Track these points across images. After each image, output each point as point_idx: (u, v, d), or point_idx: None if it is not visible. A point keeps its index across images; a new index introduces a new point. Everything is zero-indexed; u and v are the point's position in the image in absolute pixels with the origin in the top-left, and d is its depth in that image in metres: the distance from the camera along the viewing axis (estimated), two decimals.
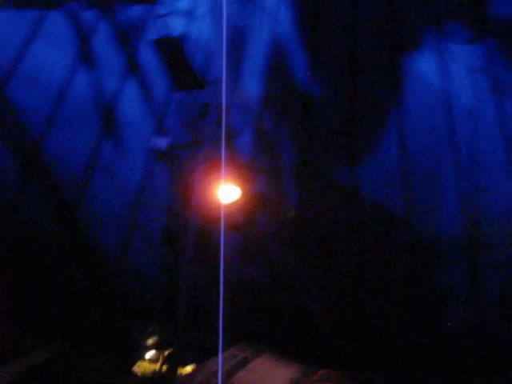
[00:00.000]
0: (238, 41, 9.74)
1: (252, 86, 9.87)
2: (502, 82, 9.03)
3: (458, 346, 8.84)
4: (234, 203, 8.71)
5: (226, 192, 8.53)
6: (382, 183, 9.54)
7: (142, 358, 8.19)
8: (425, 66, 9.42)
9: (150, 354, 8.25)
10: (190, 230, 9.05)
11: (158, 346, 8.33)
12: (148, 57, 9.55)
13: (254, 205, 9.29)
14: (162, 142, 9.11)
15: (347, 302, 9.22)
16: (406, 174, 9.44)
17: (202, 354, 7.81)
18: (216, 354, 7.02)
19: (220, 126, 8.41)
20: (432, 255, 9.26)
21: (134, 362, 8.11)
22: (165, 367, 8.05)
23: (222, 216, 7.66)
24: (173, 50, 9.21)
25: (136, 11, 9.73)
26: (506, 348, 8.56)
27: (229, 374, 6.64)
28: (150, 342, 8.41)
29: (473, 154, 9.30)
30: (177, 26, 9.59)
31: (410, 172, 9.44)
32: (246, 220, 9.32)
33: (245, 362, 6.80)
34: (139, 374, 8.02)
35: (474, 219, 9.13)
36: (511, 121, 8.99)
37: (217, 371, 6.53)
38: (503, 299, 8.97)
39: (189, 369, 7.77)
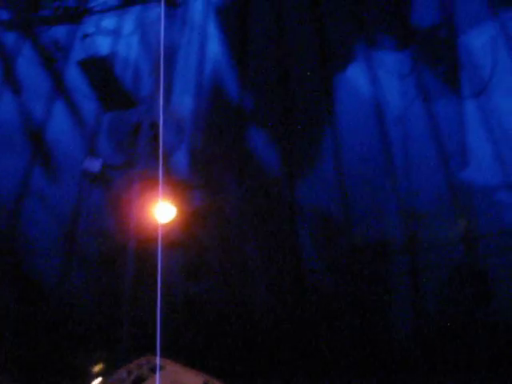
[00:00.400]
0: (168, 58, 9.68)
1: (184, 103, 9.81)
2: (427, 85, 9.27)
3: (401, 346, 8.96)
4: (172, 221, 8.59)
5: (163, 210, 8.41)
6: (320, 191, 9.61)
7: None
8: (355, 75, 9.57)
9: (97, 382, 8.05)
10: (128, 252, 8.87)
11: (104, 373, 8.12)
12: (75, 78, 9.36)
13: (193, 221, 9.20)
14: (94, 164, 8.92)
15: (290, 306, 9.25)
16: (343, 182, 9.53)
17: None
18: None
19: (153, 145, 8.31)
20: (374, 258, 9.37)
21: None
22: None
23: (160, 235, 7.53)
24: (100, 69, 9.05)
25: (60, 32, 9.53)
26: (445, 348, 8.73)
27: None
28: (95, 369, 8.20)
29: (406, 157, 9.48)
30: (103, 45, 9.45)
31: (347, 179, 9.54)
32: (186, 237, 9.21)
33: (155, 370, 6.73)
34: None
35: (412, 221, 9.29)
36: (439, 122, 9.23)
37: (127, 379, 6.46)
38: (442, 298, 9.15)
39: None
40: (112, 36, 9.52)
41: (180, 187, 9.10)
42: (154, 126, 8.58)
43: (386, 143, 9.42)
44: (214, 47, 9.76)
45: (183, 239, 9.03)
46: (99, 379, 8.02)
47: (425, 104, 9.25)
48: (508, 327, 8.77)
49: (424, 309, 9.17)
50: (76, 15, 9.53)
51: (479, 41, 9.03)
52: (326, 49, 9.44)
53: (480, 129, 9.15)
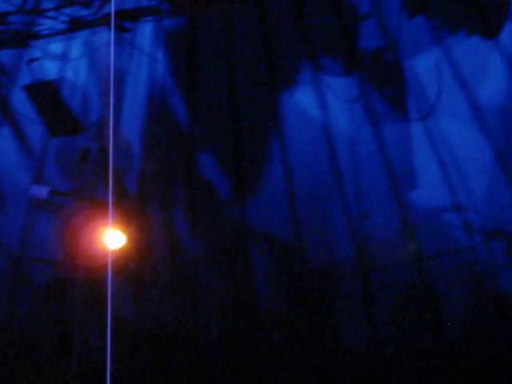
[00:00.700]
0: (117, 82, 9.59)
1: (134, 128, 9.74)
2: (375, 110, 9.42)
3: (355, 369, 9.01)
4: (123, 248, 8.46)
5: (114, 237, 8.27)
6: (271, 215, 9.64)
7: None
8: (304, 99, 9.66)
9: None
10: (78, 281, 8.70)
11: None
12: (22, 103, 9.18)
13: (145, 247, 9.10)
14: (41, 191, 8.73)
15: (242, 329, 9.24)
16: (294, 205, 9.58)
17: None
18: None
19: (102, 170, 8.20)
20: (326, 281, 9.43)
21: None
22: None
23: (110, 262, 7.41)
24: (48, 94, 8.89)
25: (6, 56, 9.34)
26: (399, 369, 8.83)
27: None
28: None
29: (356, 181, 9.59)
30: (51, 69, 9.30)
31: (298, 203, 9.60)
32: (138, 263, 9.09)
33: None
34: None
35: (363, 244, 9.40)
36: (388, 145, 9.38)
37: None
38: (395, 318, 9.26)
39: None
40: (60, 60, 9.38)
41: (131, 213, 8.99)
42: (103, 151, 8.47)
43: (335, 167, 9.52)
44: (164, 71, 9.74)
45: (135, 266, 8.92)
46: None
47: (373, 128, 9.40)
48: (458, 344, 8.94)
49: (377, 330, 9.26)
50: (23, 39, 9.37)
51: (424, 65, 9.23)
52: (275, 73, 9.52)
53: (427, 151, 9.34)
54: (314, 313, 9.40)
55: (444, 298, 9.28)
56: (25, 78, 9.33)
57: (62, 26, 9.09)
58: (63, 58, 9.38)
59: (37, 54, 9.44)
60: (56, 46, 9.38)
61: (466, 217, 9.19)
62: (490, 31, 8.47)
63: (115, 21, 8.62)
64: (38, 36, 9.41)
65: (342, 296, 9.45)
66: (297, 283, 9.51)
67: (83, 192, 8.60)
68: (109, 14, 8.65)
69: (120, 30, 8.75)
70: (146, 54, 9.52)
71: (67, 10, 8.74)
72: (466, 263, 9.18)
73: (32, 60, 9.33)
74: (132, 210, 8.96)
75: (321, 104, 9.50)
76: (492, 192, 8.99)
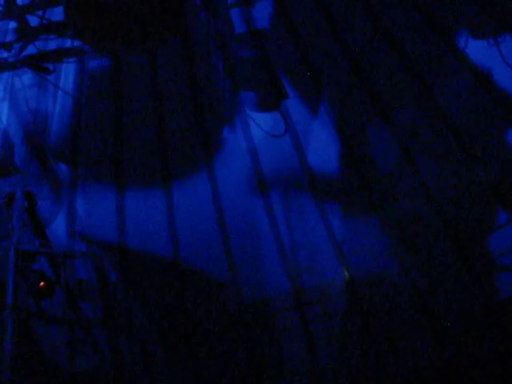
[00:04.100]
0: (42, 125, 9.42)
1: (61, 170, 9.55)
2: (302, 141, 9.62)
3: None
4: (53, 294, 8.18)
5: (43, 284, 7.99)
6: (203, 250, 9.60)
7: None
8: (232, 135, 9.76)
9: None
10: (6, 330, 8.34)
11: None
12: None
13: (77, 293, 8.85)
14: None
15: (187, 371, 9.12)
16: (227, 239, 9.56)
17: None
18: None
19: (28, 215, 7.96)
20: (264, 318, 9.41)
21: None
22: None
23: (40, 310, 7.17)
24: None
25: None
26: None
27: None
28: None
29: (288, 212, 9.70)
30: None
31: (231, 237, 9.60)
32: (70, 311, 8.82)
33: None
34: None
35: (297, 277, 9.46)
36: (315, 173, 9.58)
37: None
38: (332, 347, 9.32)
39: None
40: None
41: (60, 257, 8.74)
42: (28, 195, 8.22)
43: (266, 198, 9.63)
44: (89, 111, 9.62)
45: (67, 313, 8.64)
46: None
47: (301, 158, 9.59)
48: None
49: (317, 360, 9.31)
50: None
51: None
52: (202, 110, 9.58)
53: None
54: (251, 350, 9.36)
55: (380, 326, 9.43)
56: None
57: None
58: None
59: None
60: None
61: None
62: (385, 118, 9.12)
63: (37, 62, 8.50)
64: None
65: (279, 330, 9.45)
66: (233, 319, 9.47)
67: (9, 239, 8.28)
68: (30, 56, 8.53)
69: (43, 71, 8.59)
70: (71, 95, 9.40)
71: None
72: (396, 289, 9.39)
73: None
74: (62, 254, 8.71)
75: (248, 139, 9.63)
76: None
